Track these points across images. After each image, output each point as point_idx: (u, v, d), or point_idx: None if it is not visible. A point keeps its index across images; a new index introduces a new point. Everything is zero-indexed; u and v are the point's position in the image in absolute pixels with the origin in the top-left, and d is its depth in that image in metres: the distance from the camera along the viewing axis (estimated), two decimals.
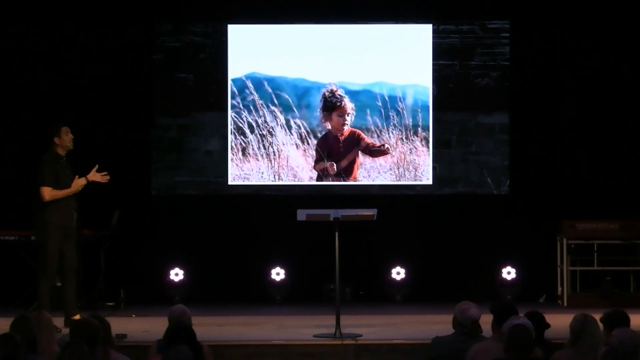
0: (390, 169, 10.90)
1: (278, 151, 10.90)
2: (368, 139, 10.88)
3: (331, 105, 10.92)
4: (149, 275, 10.69)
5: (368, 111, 10.92)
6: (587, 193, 10.76)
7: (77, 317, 8.36)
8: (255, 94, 10.93)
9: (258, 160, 10.90)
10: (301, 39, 10.99)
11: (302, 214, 8.11)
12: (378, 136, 10.89)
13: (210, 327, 8.34)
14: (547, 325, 5.67)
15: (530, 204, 10.85)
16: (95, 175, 8.63)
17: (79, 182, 8.50)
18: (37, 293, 8.47)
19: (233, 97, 10.94)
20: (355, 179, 10.90)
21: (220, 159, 10.94)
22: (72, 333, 5.20)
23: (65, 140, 8.48)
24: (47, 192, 8.36)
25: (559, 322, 6.32)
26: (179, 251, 10.76)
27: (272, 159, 10.77)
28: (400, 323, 8.83)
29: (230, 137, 10.91)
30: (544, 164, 10.91)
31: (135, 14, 10.85)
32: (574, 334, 5.17)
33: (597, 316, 5.34)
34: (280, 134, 10.91)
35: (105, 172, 8.67)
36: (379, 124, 10.89)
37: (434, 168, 10.95)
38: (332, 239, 7.98)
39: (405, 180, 10.90)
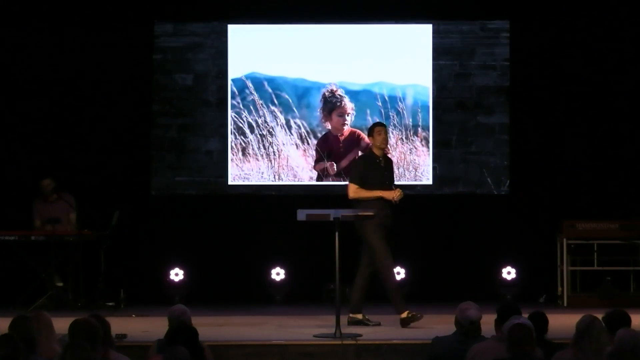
0: None
1: (278, 151, 10.90)
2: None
3: (331, 105, 10.92)
4: (149, 275, 10.69)
5: (368, 111, 10.92)
6: (587, 193, 10.76)
7: (405, 314, 8.42)
8: (255, 94, 10.93)
9: (258, 160, 10.90)
10: (301, 39, 10.99)
11: (302, 214, 8.10)
12: None
13: (210, 327, 8.34)
14: (546, 329, 5.63)
15: (530, 204, 10.84)
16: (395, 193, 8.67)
17: (391, 192, 8.60)
18: (386, 287, 8.57)
19: (233, 97, 10.94)
20: None
21: (220, 159, 10.93)
22: (71, 333, 5.19)
23: (377, 140, 8.72)
24: (352, 190, 8.63)
25: (559, 322, 6.32)
26: (179, 251, 10.75)
27: (272, 159, 10.76)
28: None
29: (230, 137, 10.91)
30: (544, 164, 10.90)
31: (135, 14, 10.85)
32: (578, 334, 5.14)
33: (598, 316, 5.33)
34: (280, 134, 10.91)
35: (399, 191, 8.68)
36: None
37: (434, 168, 10.95)
38: (332, 239, 7.98)
39: (405, 180, 10.89)
